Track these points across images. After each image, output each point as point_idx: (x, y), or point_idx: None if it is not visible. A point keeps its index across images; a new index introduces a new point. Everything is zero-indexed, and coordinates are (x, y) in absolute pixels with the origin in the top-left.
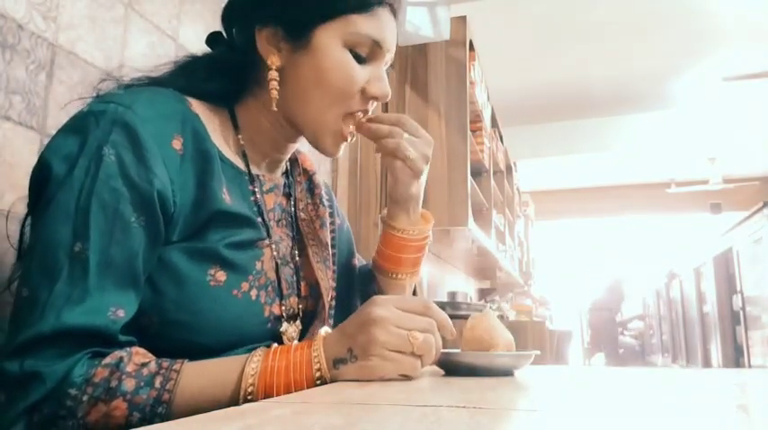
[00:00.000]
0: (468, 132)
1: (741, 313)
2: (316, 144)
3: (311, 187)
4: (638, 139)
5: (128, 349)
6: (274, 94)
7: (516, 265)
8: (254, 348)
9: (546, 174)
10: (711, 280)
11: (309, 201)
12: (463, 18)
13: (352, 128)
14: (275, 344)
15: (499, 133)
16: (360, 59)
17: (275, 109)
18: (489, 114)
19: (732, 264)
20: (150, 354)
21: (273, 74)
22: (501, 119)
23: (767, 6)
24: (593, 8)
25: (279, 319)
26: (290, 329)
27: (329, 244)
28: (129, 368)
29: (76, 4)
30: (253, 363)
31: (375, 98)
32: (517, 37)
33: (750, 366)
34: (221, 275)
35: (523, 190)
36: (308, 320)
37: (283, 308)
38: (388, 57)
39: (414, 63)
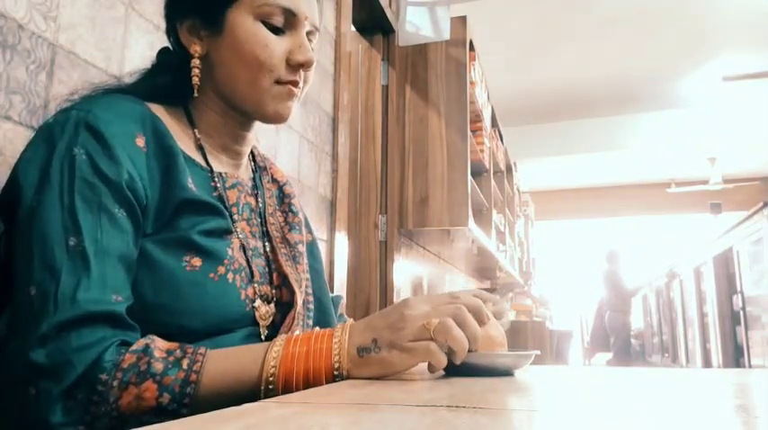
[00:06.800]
0: (468, 132)
1: (741, 313)
2: (260, 117)
3: (281, 195)
4: (638, 139)
5: (150, 336)
6: (195, 80)
7: (516, 265)
8: (237, 331)
9: (546, 174)
10: (711, 280)
11: (278, 208)
12: (463, 18)
13: (291, 88)
14: (286, 335)
15: (499, 133)
16: (277, 31)
17: (196, 94)
18: (489, 114)
19: (732, 264)
20: (170, 342)
21: (195, 62)
22: (501, 119)
23: (767, 6)
24: (592, 8)
25: (254, 302)
26: (263, 309)
27: (298, 243)
28: (157, 353)
29: (76, 4)
30: (273, 352)
31: (300, 65)
32: (517, 37)
33: (750, 366)
34: (197, 261)
35: (523, 190)
36: (285, 310)
37: (256, 288)
38: (308, 24)
39: (414, 63)
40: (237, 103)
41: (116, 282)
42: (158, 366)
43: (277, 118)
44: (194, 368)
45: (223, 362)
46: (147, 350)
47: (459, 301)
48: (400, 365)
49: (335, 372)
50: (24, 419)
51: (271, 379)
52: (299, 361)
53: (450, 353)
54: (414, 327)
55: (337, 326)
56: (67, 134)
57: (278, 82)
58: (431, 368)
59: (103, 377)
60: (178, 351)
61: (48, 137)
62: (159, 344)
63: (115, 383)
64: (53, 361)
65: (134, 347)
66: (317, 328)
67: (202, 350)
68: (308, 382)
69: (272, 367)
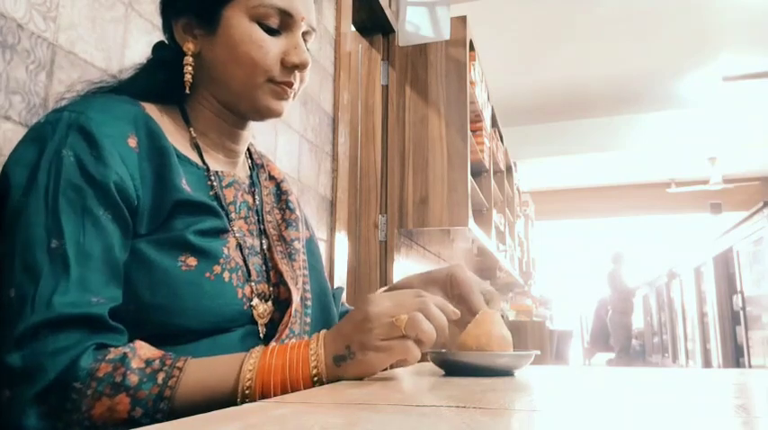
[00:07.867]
0: (469, 132)
1: (741, 313)
2: (253, 113)
3: (278, 192)
4: (638, 139)
5: (131, 345)
6: (188, 77)
7: (516, 265)
8: (235, 330)
9: (546, 174)
10: (711, 280)
11: (276, 205)
12: (463, 18)
13: (285, 88)
14: (273, 343)
15: (499, 133)
16: (272, 32)
17: (188, 92)
18: (489, 114)
19: (732, 264)
20: (155, 349)
21: (188, 59)
22: (501, 119)
23: (767, 6)
24: (592, 8)
25: (252, 301)
26: (261, 307)
27: (294, 241)
28: (134, 364)
29: (76, 4)
30: (249, 364)
31: (295, 66)
32: (517, 37)
33: (750, 366)
34: (192, 261)
35: (523, 190)
36: (284, 307)
37: (253, 286)
38: (305, 24)
39: (414, 63)
40: (230, 100)
41: (97, 284)
42: (133, 379)
43: (269, 113)
44: (169, 383)
45: (200, 373)
46: (124, 360)
47: (423, 296)
48: (379, 365)
49: (314, 381)
50: (1, 424)
51: (247, 392)
52: (276, 373)
53: (418, 343)
54: (382, 324)
55: (312, 337)
56: (58, 135)
57: (272, 81)
58: (404, 363)
59: (77, 385)
60: (157, 362)
61: (38, 137)
62: (140, 353)
63: (89, 392)
64: (26, 364)
65: (111, 356)
66: (294, 340)
67: (180, 363)
68: (286, 394)
69: (249, 380)
